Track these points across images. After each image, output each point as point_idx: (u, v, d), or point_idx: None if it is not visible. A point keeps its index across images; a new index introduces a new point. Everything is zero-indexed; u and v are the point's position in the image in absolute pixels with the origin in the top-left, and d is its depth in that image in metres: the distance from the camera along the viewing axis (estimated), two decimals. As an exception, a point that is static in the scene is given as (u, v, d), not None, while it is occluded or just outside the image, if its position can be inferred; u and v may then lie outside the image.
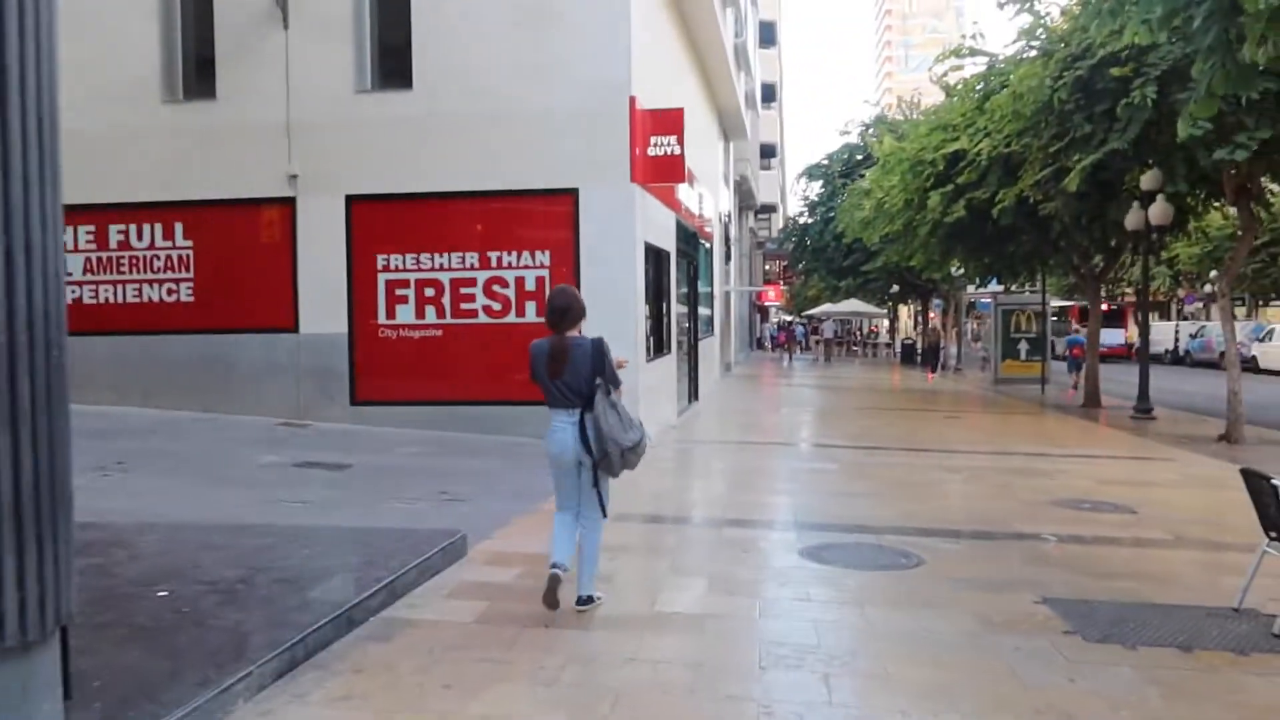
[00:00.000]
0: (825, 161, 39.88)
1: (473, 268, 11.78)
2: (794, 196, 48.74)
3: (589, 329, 5.27)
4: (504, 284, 11.74)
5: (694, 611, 5.08)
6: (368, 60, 12.13)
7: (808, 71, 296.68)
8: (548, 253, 11.68)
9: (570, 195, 11.55)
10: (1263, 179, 14.11)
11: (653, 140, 11.82)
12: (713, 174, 23.25)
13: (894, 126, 28.10)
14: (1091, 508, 8.21)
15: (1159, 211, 15.47)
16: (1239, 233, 14.65)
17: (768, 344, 48.50)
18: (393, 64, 12.02)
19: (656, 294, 13.64)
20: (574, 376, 4.96)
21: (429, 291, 11.85)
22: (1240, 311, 48.93)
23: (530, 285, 11.70)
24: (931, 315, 39.65)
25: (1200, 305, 50.46)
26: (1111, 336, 36.18)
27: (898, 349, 44.36)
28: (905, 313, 63.41)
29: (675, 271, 15.02)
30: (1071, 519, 7.73)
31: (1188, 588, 5.74)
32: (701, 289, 20.85)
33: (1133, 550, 6.71)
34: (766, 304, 56.86)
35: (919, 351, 38.54)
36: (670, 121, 11.87)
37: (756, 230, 49.61)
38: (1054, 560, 6.34)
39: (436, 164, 11.76)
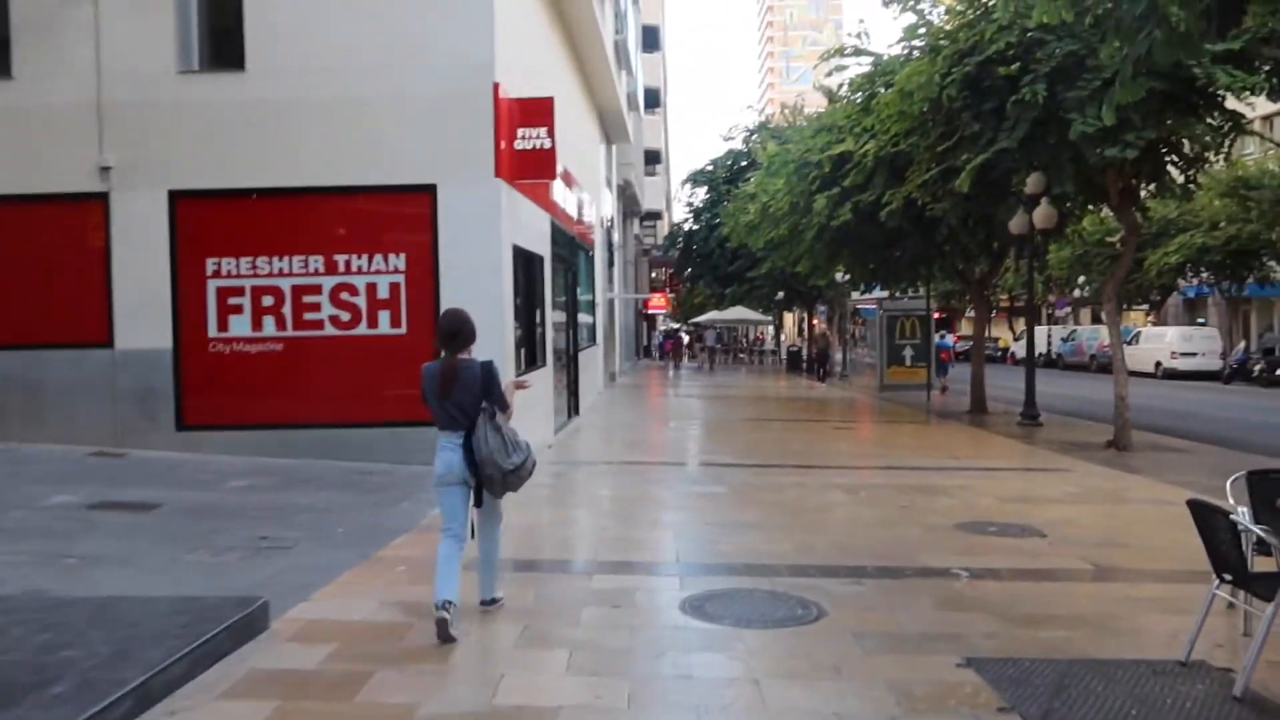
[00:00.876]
0: (710, 167, 39.50)
1: (318, 273, 10.43)
2: (679, 203, 48.36)
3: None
4: (354, 291, 10.43)
5: (545, 703, 4.00)
6: (193, 36, 10.65)
7: (693, 79, 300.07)
8: (403, 256, 10.44)
9: (427, 192, 10.34)
10: (1141, 188, 13.99)
11: (520, 132, 10.72)
12: (594, 177, 22.28)
13: (777, 132, 27.77)
14: (999, 531, 7.52)
15: (1043, 215, 15.26)
16: (1122, 238, 14.51)
17: (655, 352, 47.85)
18: (223, 41, 10.56)
19: (529, 302, 12.53)
20: (463, 398, 5.01)
21: (267, 300, 10.44)
22: (1131, 317, 50.98)
23: (383, 293, 10.42)
24: (817, 322, 39.71)
25: (1069, 310, 52.40)
26: (941, 342, 36.77)
27: (784, 356, 44.34)
28: (791, 320, 63.95)
29: (551, 277, 13.94)
30: (981, 546, 6.99)
31: (1123, 634, 5.00)
32: (582, 296, 19.82)
33: (1054, 586, 5.98)
34: (653, 312, 56.30)
35: (804, 358, 38.52)
36: (540, 111, 10.80)
37: (642, 237, 48.97)
38: (970, 601, 5.54)
39: (275, 156, 10.38)
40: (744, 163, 35.73)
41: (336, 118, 10.31)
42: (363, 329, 10.44)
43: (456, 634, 4.71)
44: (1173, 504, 8.79)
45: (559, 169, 14.39)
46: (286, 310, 10.43)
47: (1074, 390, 26.32)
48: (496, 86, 10.25)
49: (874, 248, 18.66)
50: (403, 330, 10.44)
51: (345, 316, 10.44)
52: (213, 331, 10.44)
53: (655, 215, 50.03)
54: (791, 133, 21.35)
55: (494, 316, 10.37)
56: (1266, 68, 11.48)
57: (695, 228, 39.45)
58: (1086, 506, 8.76)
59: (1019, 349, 44.61)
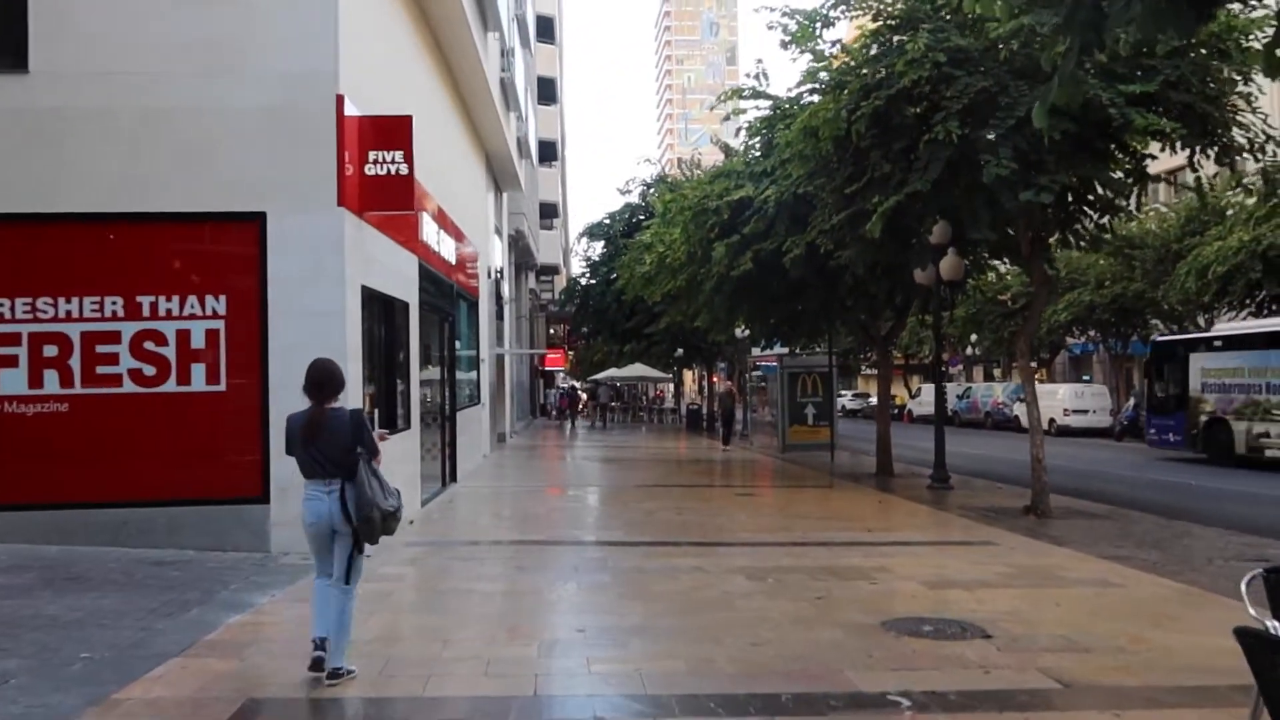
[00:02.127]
0: (607, 220, 38.41)
1: (116, 317, 8.57)
2: (576, 258, 47.21)
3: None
4: (161, 340, 8.60)
5: None
6: (-34, 32, 8.81)
7: (592, 138, 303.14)
8: (223, 298, 8.68)
9: (254, 222, 8.66)
10: (1052, 237, 13.28)
11: (372, 155, 9.17)
12: (480, 224, 20.78)
13: (675, 185, 26.85)
14: (935, 632, 6.17)
15: (950, 265, 14.43)
16: (1032, 291, 13.75)
17: (552, 411, 46.14)
18: (1, 38, 8.75)
19: (388, 353, 10.86)
20: (330, 446, 5.04)
21: (50, 350, 8.51)
22: (998, 373, 51.71)
23: (198, 341, 8.62)
24: (717, 379, 38.75)
25: (960, 367, 53.02)
26: None
27: (683, 414, 43.22)
28: (690, 377, 63.18)
29: (418, 327, 12.30)
30: (918, 656, 5.62)
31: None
32: (464, 351, 18.16)
33: (1018, 717, 4.62)
34: (551, 369, 54.67)
35: (704, 417, 37.40)
36: (396, 132, 9.28)
37: (539, 292, 47.53)
38: (920, 751, 4.12)
39: (64, 175, 8.55)
40: (641, 216, 34.74)
41: (142, 131, 8.58)
42: (171, 385, 8.59)
43: (327, 669, 4.92)
44: (1118, 586, 7.68)
45: (429, 204, 12.88)
46: (74, 362, 8.52)
47: (975, 449, 25.76)
48: (340, 100, 8.70)
49: (775, 300, 17.60)
50: (221, 386, 8.64)
51: (149, 370, 8.58)
52: (-23, 389, 8.44)
53: (553, 269, 48.68)
54: (689, 186, 20.29)
55: (333, 370, 8.68)
56: (1175, 112, 10.91)
57: (592, 282, 38.15)
58: (1024, 591, 7.52)
59: (915, 406, 44.61)
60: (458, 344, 16.84)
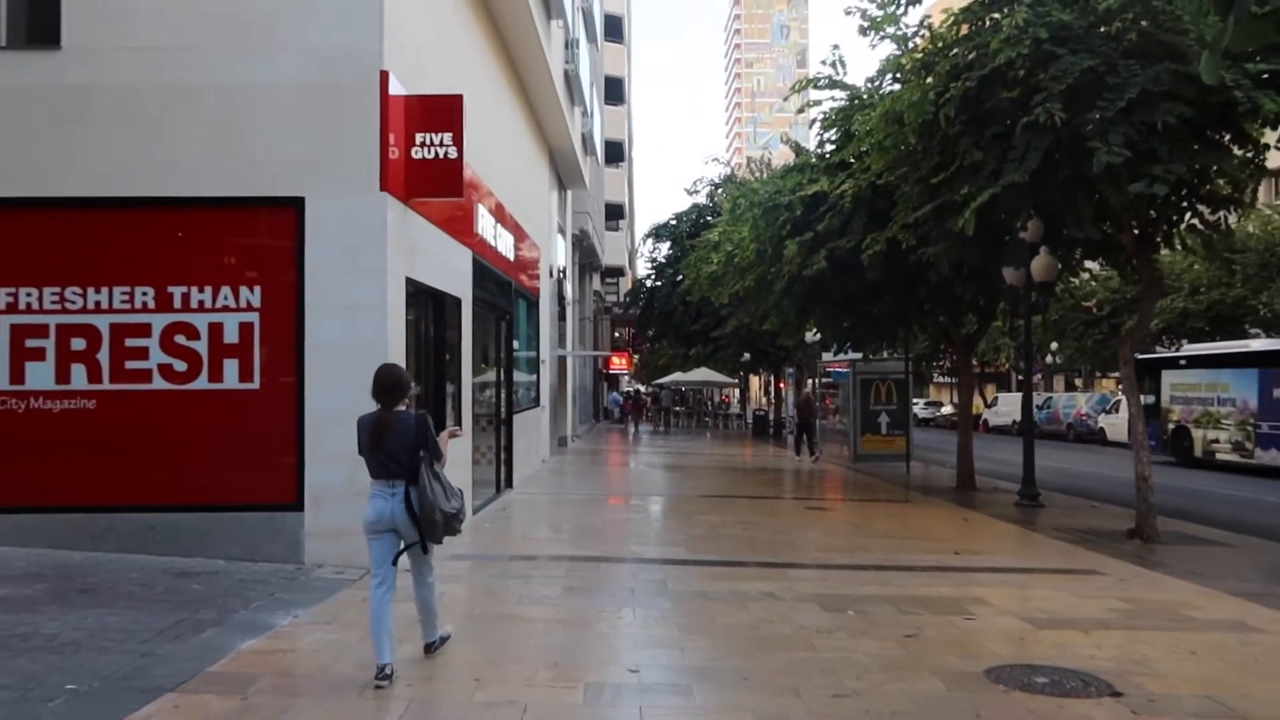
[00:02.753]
0: (673, 221, 37.65)
1: (146, 309, 8.04)
2: (642, 260, 46.54)
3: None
4: (193, 333, 8.03)
5: None
6: None
7: (659, 140, 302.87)
8: (258, 290, 8.09)
9: (292, 208, 8.05)
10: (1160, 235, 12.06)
11: (418, 138, 8.50)
12: (542, 220, 20.17)
13: (744, 183, 25.97)
14: (1051, 685, 5.22)
15: (1043, 266, 13.31)
16: (1141, 289, 12.53)
17: (615, 413, 45.49)
18: (35, 11, 8.30)
19: (437, 353, 10.20)
20: (397, 448, 5.17)
21: (78, 343, 8.01)
22: (1079, 383, 49.53)
23: (231, 335, 8.04)
24: (784, 385, 37.66)
25: (1040, 377, 50.90)
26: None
27: (749, 420, 42.18)
28: (756, 383, 62.02)
29: (471, 326, 11.64)
30: (1037, 716, 4.69)
31: None
32: (524, 352, 17.53)
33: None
34: (615, 372, 54.05)
35: (770, 423, 36.33)
36: (444, 112, 8.60)
37: (604, 294, 46.97)
38: None
39: (93, 157, 8.04)
40: (708, 217, 33.91)
41: (174, 110, 8.03)
42: (203, 382, 8.02)
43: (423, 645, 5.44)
44: (1262, 631, 6.58)
45: (485, 195, 12.23)
46: (103, 356, 8.00)
47: (1059, 462, 24.26)
48: (385, 76, 8.04)
49: (850, 302, 16.59)
50: (254, 384, 8.05)
51: (180, 366, 8.03)
52: (3, 383, 7.97)
53: (618, 272, 48.07)
54: (758, 182, 19.37)
55: (369, 367, 8.02)
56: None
57: (657, 284, 37.40)
58: (1150, 635, 6.48)
59: (991, 416, 42.82)
60: (516, 344, 16.20)
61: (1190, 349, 24.77)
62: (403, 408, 5.32)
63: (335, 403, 7.93)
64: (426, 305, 9.53)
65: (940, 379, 57.46)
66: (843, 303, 16.65)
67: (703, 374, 43.27)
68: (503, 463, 14.64)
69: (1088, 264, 17.59)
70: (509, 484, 14.87)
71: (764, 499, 14.68)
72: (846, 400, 23.82)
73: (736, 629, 6.40)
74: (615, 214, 46.18)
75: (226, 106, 8.02)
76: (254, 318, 8.05)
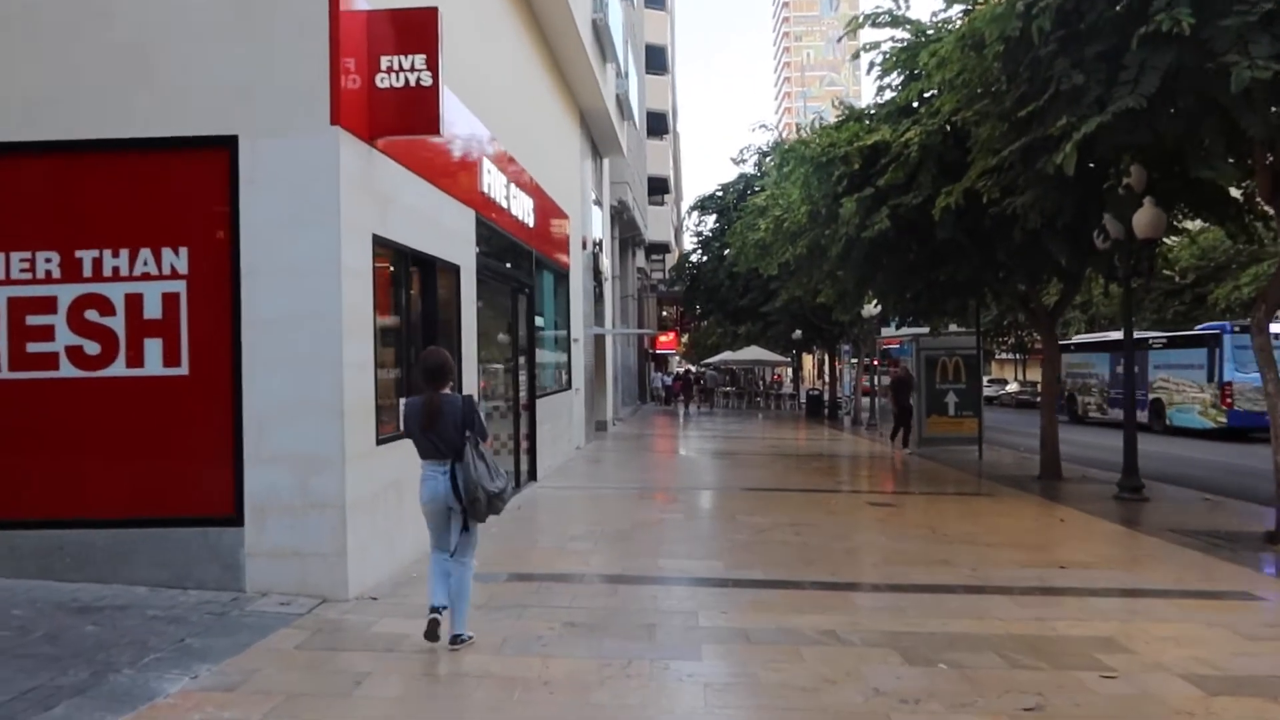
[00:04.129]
0: (720, 193, 35.69)
1: (51, 279, 6.51)
2: (688, 235, 44.66)
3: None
4: (107, 308, 6.49)
5: None
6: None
7: (707, 116, 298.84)
8: (184, 252, 6.50)
9: (223, 149, 6.44)
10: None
11: (384, 62, 6.83)
12: (574, 190, 18.48)
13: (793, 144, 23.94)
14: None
15: (1148, 219, 11.27)
16: (1204, 262, 10.46)
17: (661, 394, 43.77)
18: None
19: (426, 328, 8.57)
20: (445, 429, 5.29)
21: (-31, 322, 6.53)
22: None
23: (153, 309, 6.47)
24: (839, 363, 35.50)
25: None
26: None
27: (802, 400, 40.18)
28: (809, 361, 59.84)
29: (475, 299, 10.01)
30: None
31: None
32: (550, 330, 15.89)
33: None
34: (663, 352, 52.31)
35: (824, 404, 34.34)
36: (416, 29, 6.90)
37: (649, 271, 45.20)
38: None
39: (-15, 93, 6.53)
40: (756, 187, 31.90)
41: (81, 34, 6.47)
42: (120, 368, 6.48)
43: (449, 636, 5.28)
44: None
45: (498, 151, 10.58)
46: (-1, 338, 6.52)
47: (1142, 445, 21.99)
48: (335, -19, 6.39)
49: (915, 268, 14.63)
50: (182, 369, 6.48)
51: (93, 348, 6.49)
52: (-121, 372, 6.53)
53: (663, 248, 46.17)
54: (810, 137, 17.35)
55: (322, 346, 6.42)
56: None
57: (704, 259, 35.51)
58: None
59: (1062, 394, 40.28)
60: (540, 321, 14.57)
61: (1076, 339, 33.82)
62: (447, 390, 5.41)
63: (281, 390, 6.37)
64: (407, 271, 7.89)
65: (1003, 355, 54.68)
66: (907, 269, 14.69)
67: (753, 353, 41.39)
68: (524, 453, 13.05)
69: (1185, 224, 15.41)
70: (532, 476, 13.29)
71: (819, 492, 12.87)
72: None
73: (787, 694, 4.67)
74: (659, 188, 44.31)
75: (141, 26, 6.43)
76: (180, 287, 6.48)
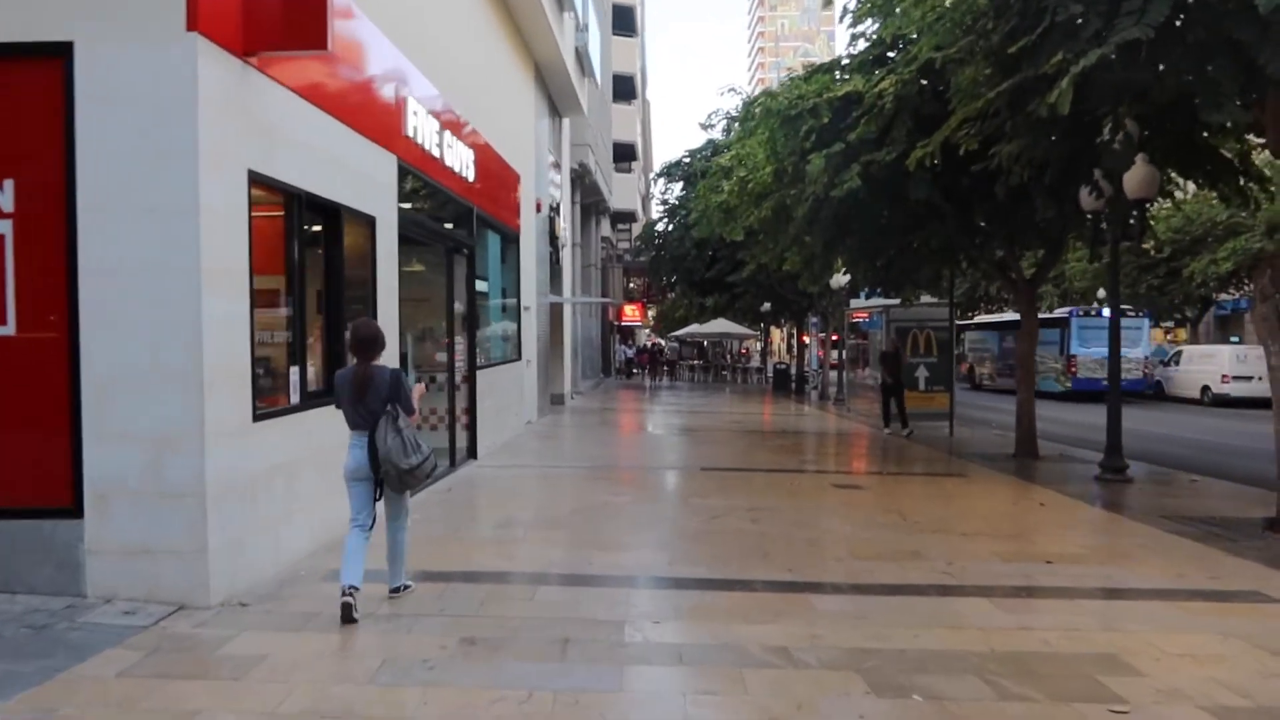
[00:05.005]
0: (687, 159, 34.51)
1: None
2: (656, 204, 43.49)
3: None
4: (-88, 253, 5.34)
5: None
6: None
7: (679, 88, 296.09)
8: (9, 186, 5.35)
9: (55, 59, 5.29)
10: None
11: (259, -42, 5.70)
12: (526, 147, 17.31)
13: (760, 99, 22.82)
14: None
15: (1141, 178, 10.38)
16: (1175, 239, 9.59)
17: (625, 368, 42.69)
18: None
19: (330, 288, 7.47)
20: (374, 401, 5.27)
21: None
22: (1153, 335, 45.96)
23: (-32, 255, 5.35)
24: (805, 336, 34.62)
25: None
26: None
27: (770, 374, 39.34)
28: (778, 335, 59.05)
29: (395, 256, 8.90)
30: None
31: None
32: (496, 298, 14.79)
33: None
34: (629, 324, 51.25)
35: (791, 377, 33.51)
36: (298, -77, 5.77)
37: (615, 241, 44.01)
38: None
39: None
40: (725, 152, 30.77)
41: None
42: (-71, 326, 5.35)
43: (359, 616, 5.06)
44: None
45: (428, 93, 9.43)
46: None
47: (1138, 424, 21.35)
48: None
49: (888, 231, 13.67)
50: (8, 328, 5.36)
51: (-104, 302, 5.35)
52: None
53: (629, 216, 44.94)
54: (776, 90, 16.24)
55: (177, 301, 5.32)
56: None
57: (669, 228, 34.37)
58: None
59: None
60: (483, 286, 13.47)
61: (976, 320, 38.39)
62: (379, 362, 5.38)
63: (128, 353, 5.28)
64: (300, 218, 6.77)
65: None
66: (879, 233, 13.73)
67: (720, 325, 40.46)
68: (463, 428, 12.00)
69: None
70: (472, 454, 12.25)
71: (781, 472, 11.94)
72: (876, 351, 20.92)
73: (723, 741, 3.71)
74: (626, 155, 43.01)
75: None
76: (4, 228, 5.34)
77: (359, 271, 8.09)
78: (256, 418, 5.92)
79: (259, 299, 6.29)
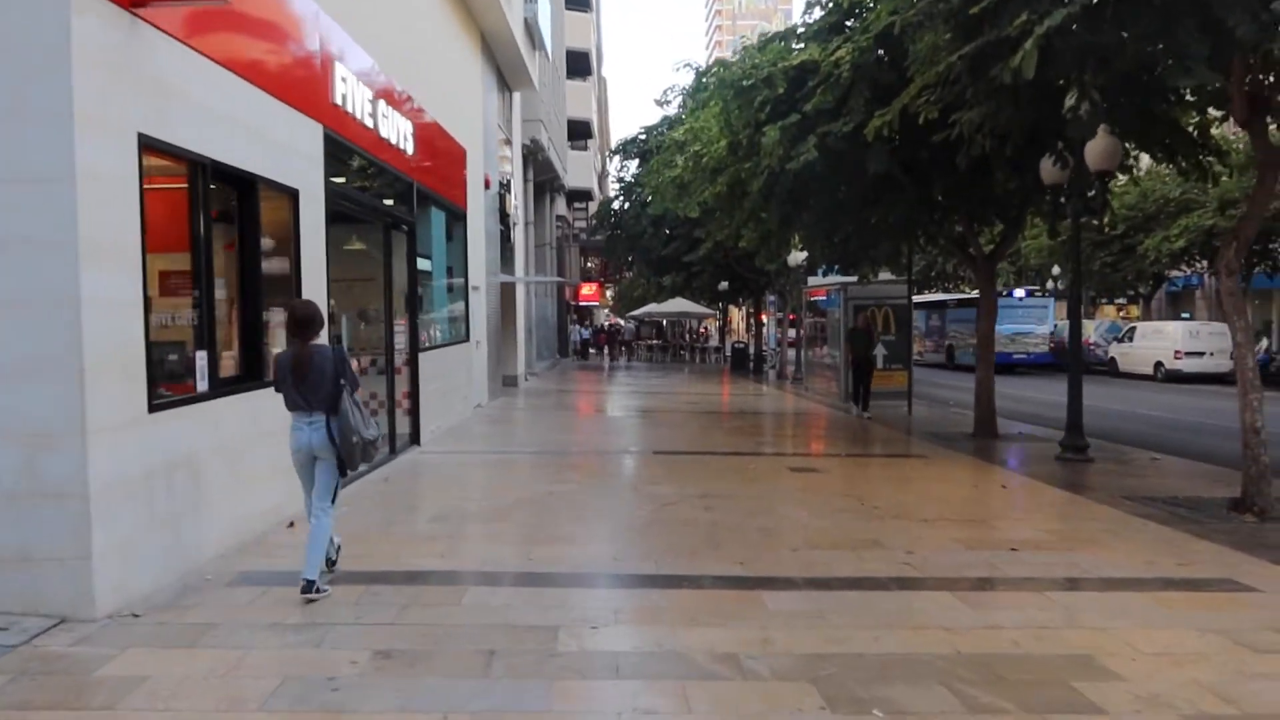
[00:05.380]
0: (642, 136, 33.90)
1: None
2: (612, 182, 42.86)
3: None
4: None
5: None
6: None
7: (639, 71, 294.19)
8: None
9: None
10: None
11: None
12: (473, 120, 16.68)
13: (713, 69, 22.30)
14: None
15: (1102, 149, 10.11)
16: (1256, 175, 9.32)
17: (581, 348, 42.09)
18: None
19: (245, 267, 6.88)
20: (317, 381, 5.29)
21: None
22: (1104, 311, 46.38)
23: None
24: (764, 315, 34.32)
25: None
26: None
27: (728, 354, 39.08)
28: (737, 314, 58.86)
29: (323, 232, 8.32)
30: None
31: None
32: (441, 277, 14.21)
33: None
34: (587, 304, 50.66)
35: (750, 356, 33.27)
36: None
37: (572, 220, 43.34)
38: None
39: None
40: (680, 126, 30.22)
41: None
42: None
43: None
44: None
45: (358, 57, 8.82)
46: None
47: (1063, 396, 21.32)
48: None
49: (844, 207, 13.28)
50: None
51: None
52: None
53: (585, 195, 44.26)
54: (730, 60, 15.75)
55: (51, 280, 4.75)
56: None
57: (625, 206, 33.77)
58: None
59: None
60: (426, 265, 12.88)
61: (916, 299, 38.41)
62: (318, 342, 5.40)
63: (-2, 342, 4.68)
64: (207, 189, 6.16)
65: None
66: (836, 208, 13.32)
67: (678, 304, 40.07)
68: (405, 414, 11.46)
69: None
70: (415, 440, 11.72)
71: (737, 455, 11.56)
72: (834, 330, 20.64)
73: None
74: (582, 132, 42.32)
75: None
76: None
77: (281, 248, 7.51)
78: (153, 408, 5.35)
79: (161, 279, 5.74)
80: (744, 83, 12.71)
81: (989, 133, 8.65)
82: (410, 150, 11.43)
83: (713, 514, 7.78)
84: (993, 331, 13.88)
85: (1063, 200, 11.28)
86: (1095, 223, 32.84)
